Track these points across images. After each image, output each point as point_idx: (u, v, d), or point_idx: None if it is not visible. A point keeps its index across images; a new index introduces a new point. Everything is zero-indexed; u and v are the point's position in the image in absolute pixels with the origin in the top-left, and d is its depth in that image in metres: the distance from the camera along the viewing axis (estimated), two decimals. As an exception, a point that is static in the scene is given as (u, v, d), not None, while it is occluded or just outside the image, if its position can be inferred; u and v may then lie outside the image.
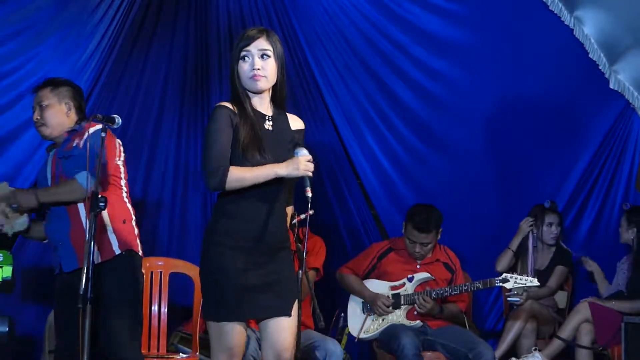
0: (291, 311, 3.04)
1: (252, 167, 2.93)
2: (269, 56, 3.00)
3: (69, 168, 3.59)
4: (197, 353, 4.42)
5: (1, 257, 3.63)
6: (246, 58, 3.00)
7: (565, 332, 4.80)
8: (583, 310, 4.77)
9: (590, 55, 4.97)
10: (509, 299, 4.93)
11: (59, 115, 3.70)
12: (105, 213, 3.59)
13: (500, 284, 4.58)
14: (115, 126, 3.45)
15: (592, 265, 5.15)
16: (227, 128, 2.97)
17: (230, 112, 3.00)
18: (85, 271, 3.13)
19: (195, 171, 5.62)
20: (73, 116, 3.73)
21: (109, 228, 3.61)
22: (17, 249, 4.93)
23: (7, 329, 3.57)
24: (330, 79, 5.43)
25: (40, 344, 4.68)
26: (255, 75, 2.98)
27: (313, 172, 2.96)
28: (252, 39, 3.00)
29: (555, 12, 4.92)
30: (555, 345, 4.80)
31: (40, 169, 3.83)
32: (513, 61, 5.13)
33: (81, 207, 3.58)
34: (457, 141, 5.38)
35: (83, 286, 3.11)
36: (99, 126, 3.53)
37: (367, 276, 4.86)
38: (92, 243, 3.16)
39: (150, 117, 5.45)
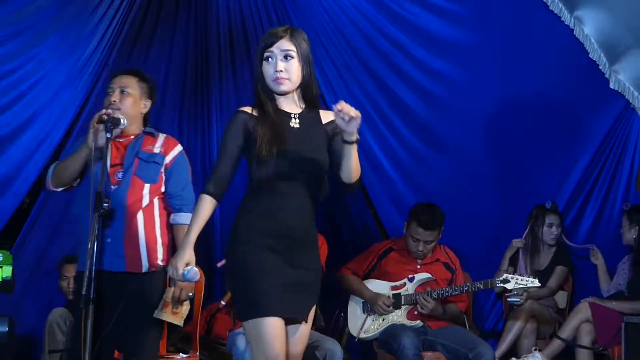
0: (308, 317, 2.98)
1: (198, 213, 2.93)
2: (292, 57, 2.94)
3: (149, 174, 3.58)
4: (197, 353, 4.42)
5: (1, 257, 3.61)
6: (269, 59, 2.95)
7: (566, 332, 4.79)
8: (583, 310, 4.77)
9: (590, 55, 4.96)
10: (509, 299, 4.93)
11: (136, 108, 3.66)
12: (158, 225, 3.62)
13: (501, 285, 4.59)
14: (121, 127, 3.46)
15: (598, 259, 5.13)
16: (236, 135, 2.96)
17: (246, 117, 2.98)
18: (87, 273, 3.12)
19: (194, 171, 5.60)
20: (143, 115, 3.71)
21: (160, 241, 3.62)
22: (17, 249, 4.94)
23: (7, 329, 3.55)
24: (330, 79, 5.43)
25: (40, 344, 4.68)
26: (278, 78, 2.94)
27: None
28: (275, 39, 2.95)
29: (555, 12, 4.91)
30: (556, 345, 4.79)
31: (77, 141, 3.66)
32: (513, 61, 5.13)
33: (140, 213, 3.56)
34: (457, 141, 5.38)
35: (85, 287, 3.11)
36: (180, 147, 3.68)
37: (367, 276, 4.87)
38: (95, 243, 3.16)
39: (150, 117, 5.42)
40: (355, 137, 2.85)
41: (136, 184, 3.56)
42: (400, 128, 5.43)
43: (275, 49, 2.94)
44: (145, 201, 3.57)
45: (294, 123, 2.99)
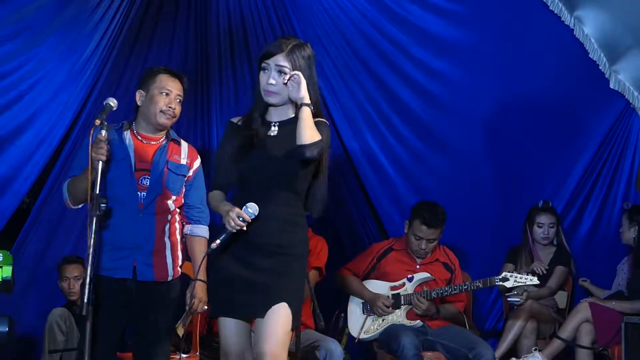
0: (264, 313, 2.96)
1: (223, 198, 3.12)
2: (286, 73, 3.00)
3: (177, 186, 3.59)
4: (197, 353, 4.42)
5: (1, 257, 3.61)
6: (265, 70, 3.04)
7: (566, 332, 4.79)
8: (583, 310, 4.77)
9: (591, 55, 4.96)
10: (509, 299, 4.93)
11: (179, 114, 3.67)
12: (178, 232, 3.63)
13: (500, 283, 4.59)
14: (113, 109, 3.41)
15: (585, 283, 5.16)
16: (227, 145, 3.10)
17: (233, 127, 3.12)
18: (88, 275, 3.12)
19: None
20: None
21: (179, 247, 3.64)
22: (17, 249, 4.94)
23: (7, 329, 3.55)
24: (330, 79, 5.43)
25: (40, 344, 4.67)
26: (267, 91, 3.03)
27: None
28: (273, 52, 3.02)
29: (555, 12, 4.91)
30: (556, 345, 4.79)
31: (115, 151, 3.50)
32: (513, 61, 5.12)
33: (167, 223, 3.57)
34: (457, 141, 5.38)
35: (87, 290, 3.11)
36: (199, 159, 3.70)
37: (367, 277, 4.87)
38: (93, 244, 3.15)
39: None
40: (307, 100, 2.96)
41: (165, 195, 3.55)
42: (400, 128, 5.43)
43: (271, 61, 3.02)
44: (170, 211, 3.58)
45: (272, 132, 3.08)
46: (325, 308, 4.75)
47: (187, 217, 3.67)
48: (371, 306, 4.73)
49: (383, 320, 4.71)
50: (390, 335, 4.57)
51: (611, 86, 5.02)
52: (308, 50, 3.07)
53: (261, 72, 3.05)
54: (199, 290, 3.55)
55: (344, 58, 5.39)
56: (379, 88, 5.39)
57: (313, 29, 5.37)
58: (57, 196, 5.11)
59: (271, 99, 3.04)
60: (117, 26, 4.99)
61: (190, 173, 3.65)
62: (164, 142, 3.63)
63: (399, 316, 4.70)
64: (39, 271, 5.09)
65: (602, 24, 4.87)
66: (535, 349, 4.77)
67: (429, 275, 4.75)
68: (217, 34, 5.50)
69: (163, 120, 3.58)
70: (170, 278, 3.56)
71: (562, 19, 4.92)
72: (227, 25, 5.48)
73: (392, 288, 4.76)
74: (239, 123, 3.12)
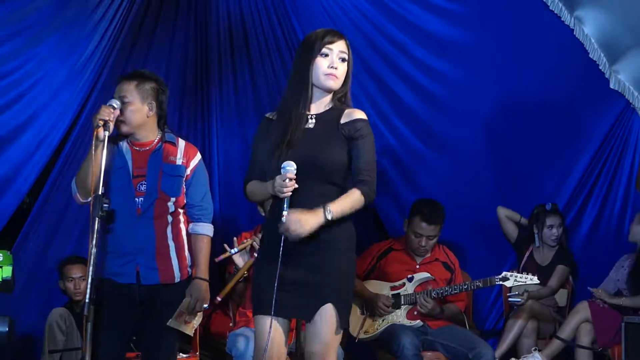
0: (312, 317, 2.98)
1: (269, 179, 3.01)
2: (345, 60, 3.05)
3: (174, 187, 3.56)
4: (197, 353, 4.42)
5: (1, 257, 3.61)
6: (327, 55, 3.03)
7: (565, 332, 4.80)
8: (582, 310, 4.78)
9: (591, 55, 4.96)
10: (510, 299, 4.93)
11: (139, 115, 3.53)
12: (184, 233, 3.62)
13: (500, 283, 4.60)
14: (116, 110, 3.42)
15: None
16: (261, 140, 3.09)
17: (267, 122, 3.10)
18: (90, 276, 3.12)
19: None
20: (153, 117, 3.59)
21: (186, 247, 3.62)
22: (17, 249, 4.94)
23: (7, 329, 3.55)
24: (330, 79, 5.42)
25: (40, 344, 4.68)
26: (331, 74, 3.02)
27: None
28: (335, 39, 3.05)
29: (555, 12, 4.91)
30: (555, 345, 4.80)
31: (114, 160, 3.51)
32: (513, 61, 5.13)
33: (168, 225, 3.56)
34: (457, 141, 5.38)
35: (88, 291, 3.11)
36: (199, 156, 3.66)
37: (367, 277, 4.87)
38: (96, 249, 3.15)
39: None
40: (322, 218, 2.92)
41: (162, 198, 3.54)
42: (400, 128, 5.43)
43: (335, 47, 3.03)
44: (171, 213, 3.57)
45: (310, 124, 3.05)
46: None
47: (189, 216, 3.65)
48: (372, 306, 4.73)
49: (383, 320, 4.71)
50: (390, 335, 4.57)
51: (611, 86, 5.02)
52: None
53: (319, 58, 3.01)
54: (199, 288, 3.55)
55: (344, 58, 5.38)
56: (379, 88, 5.39)
57: (313, 29, 5.31)
58: (57, 196, 5.12)
59: (332, 83, 3.02)
60: (117, 26, 4.99)
61: (188, 172, 3.61)
62: (158, 145, 3.60)
63: (399, 316, 4.70)
64: (39, 271, 5.09)
65: (602, 24, 4.87)
66: (535, 349, 4.78)
67: (429, 275, 4.75)
68: (217, 34, 5.51)
69: (119, 130, 3.53)
70: (177, 279, 3.56)
71: (562, 19, 4.92)
72: (227, 25, 5.48)
73: (392, 288, 4.76)
74: (273, 118, 3.08)
